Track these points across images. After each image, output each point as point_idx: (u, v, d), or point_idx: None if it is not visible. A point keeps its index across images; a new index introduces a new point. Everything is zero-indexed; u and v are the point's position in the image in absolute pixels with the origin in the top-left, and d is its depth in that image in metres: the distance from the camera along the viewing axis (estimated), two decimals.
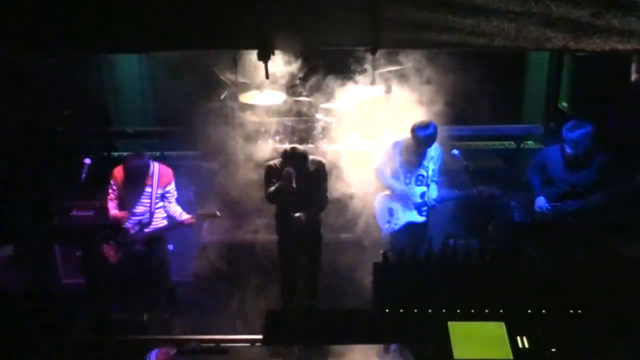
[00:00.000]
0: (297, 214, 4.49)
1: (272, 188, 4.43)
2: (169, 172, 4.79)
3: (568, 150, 4.50)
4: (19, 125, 5.62)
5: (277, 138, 6.00)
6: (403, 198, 4.84)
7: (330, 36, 2.63)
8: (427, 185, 4.79)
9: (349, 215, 5.34)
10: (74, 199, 5.38)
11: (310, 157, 4.55)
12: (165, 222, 4.82)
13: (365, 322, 3.06)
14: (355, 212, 5.27)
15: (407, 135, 4.69)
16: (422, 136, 4.51)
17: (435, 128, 4.53)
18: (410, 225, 4.84)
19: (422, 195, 4.78)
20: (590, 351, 2.77)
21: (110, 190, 4.71)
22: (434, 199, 4.74)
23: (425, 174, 4.78)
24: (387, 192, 4.95)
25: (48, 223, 5.26)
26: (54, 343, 4.19)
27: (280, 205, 4.61)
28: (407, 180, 4.81)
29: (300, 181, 4.36)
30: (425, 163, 4.75)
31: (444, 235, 3.61)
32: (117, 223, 4.70)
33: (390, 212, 4.88)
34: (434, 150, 4.71)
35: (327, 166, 4.68)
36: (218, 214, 4.73)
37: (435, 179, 4.86)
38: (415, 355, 2.47)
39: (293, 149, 4.48)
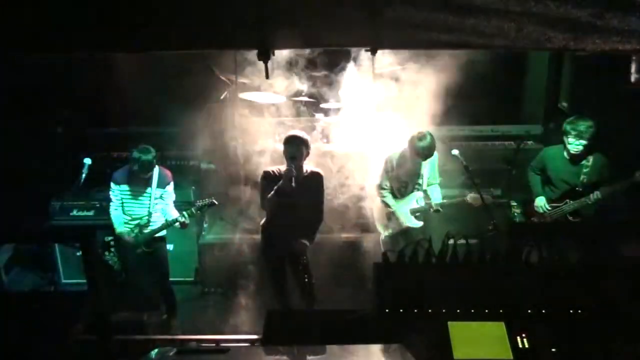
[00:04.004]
0: (301, 241, 4.46)
1: (272, 193, 4.35)
2: (168, 173, 4.82)
3: (570, 142, 4.47)
4: (19, 125, 5.61)
5: (277, 138, 5.99)
6: (402, 203, 4.84)
7: (331, 36, 2.62)
8: (423, 192, 4.81)
9: (349, 215, 5.34)
10: (74, 199, 5.38)
11: (308, 168, 4.48)
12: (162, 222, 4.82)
13: (365, 322, 3.06)
14: (355, 212, 5.26)
15: (403, 146, 4.67)
16: (424, 147, 4.48)
17: (432, 137, 4.52)
18: (408, 230, 4.85)
19: (418, 201, 4.79)
20: (590, 351, 2.77)
21: (113, 197, 4.71)
22: (439, 204, 4.72)
23: (422, 182, 4.79)
24: None
25: (48, 223, 5.26)
26: (54, 343, 4.18)
27: (274, 212, 4.50)
28: (404, 190, 4.82)
29: (297, 189, 4.30)
30: (422, 172, 4.75)
31: (444, 235, 3.61)
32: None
33: (389, 217, 4.88)
34: None
35: (327, 165, 4.66)
36: (215, 202, 4.78)
37: (436, 181, 4.86)
38: (415, 355, 2.47)
39: (294, 136, 4.36)
